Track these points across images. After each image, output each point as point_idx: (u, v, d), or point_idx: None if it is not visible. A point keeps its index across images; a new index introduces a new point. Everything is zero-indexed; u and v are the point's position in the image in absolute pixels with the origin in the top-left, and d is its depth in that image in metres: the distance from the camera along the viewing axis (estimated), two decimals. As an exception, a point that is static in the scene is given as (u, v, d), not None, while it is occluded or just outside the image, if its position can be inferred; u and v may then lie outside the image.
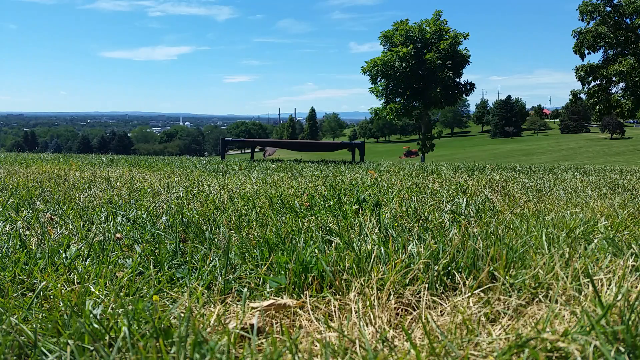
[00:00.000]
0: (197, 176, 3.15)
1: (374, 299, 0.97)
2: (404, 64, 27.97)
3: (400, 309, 0.98)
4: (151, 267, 1.18)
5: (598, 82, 26.66)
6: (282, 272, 1.11)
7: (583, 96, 28.00)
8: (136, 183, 2.68)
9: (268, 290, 1.06)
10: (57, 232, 1.49)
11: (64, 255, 1.23)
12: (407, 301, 1.00)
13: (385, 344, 0.78)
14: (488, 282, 1.05)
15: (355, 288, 1.02)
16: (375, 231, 1.49)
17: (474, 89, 29.80)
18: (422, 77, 28.44)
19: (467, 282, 1.06)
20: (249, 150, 6.71)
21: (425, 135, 30.17)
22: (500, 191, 2.50)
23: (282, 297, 1.03)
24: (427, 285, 1.03)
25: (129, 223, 1.60)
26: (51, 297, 1.00)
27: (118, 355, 0.73)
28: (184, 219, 1.62)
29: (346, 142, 5.79)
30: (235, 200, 2.04)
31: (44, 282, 1.03)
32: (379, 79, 29.41)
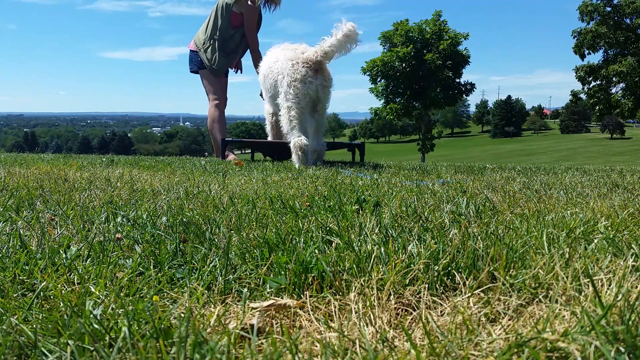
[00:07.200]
0: (197, 176, 3.15)
1: (374, 299, 0.97)
2: (404, 64, 28.01)
3: (400, 309, 0.98)
4: (151, 267, 1.18)
5: (598, 82, 26.69)
6: (282, 273, 1.11)
7: (583, 96, 28.04)
8: (136, 183, 2.68)
9: (268, 290, 1.06)
10: (57, 233, 1.49)
11: (64, 255, 1.23)
12: (407, 301, 1.00)
13: (385, 344, 0.78)
14: (488, 282, 1.05)
15: (355, 288, 1.02)
16: (375, 231, 1.49)
17: (474, 89, 29.85)
18: (422, 77, 28.47)
19: (467, 282, 1.06)
20: (249, 151, 6.69)
21: (426, 136, 30.21)
22: (500, 191, 2.50)
23: (282, 298, 1.03)
24: (427, 285, 1.03)
25: (129, 223, 1.60)
26: (51, 297, 1.00)
27: (118, 355, 0.74)
28: (184, 219, 1.62)
29: (346, 142, 5.75)
30: (236, 200, 2.04)
31: (44, 283, 1.03)
32: (379, 79, 29.44)
